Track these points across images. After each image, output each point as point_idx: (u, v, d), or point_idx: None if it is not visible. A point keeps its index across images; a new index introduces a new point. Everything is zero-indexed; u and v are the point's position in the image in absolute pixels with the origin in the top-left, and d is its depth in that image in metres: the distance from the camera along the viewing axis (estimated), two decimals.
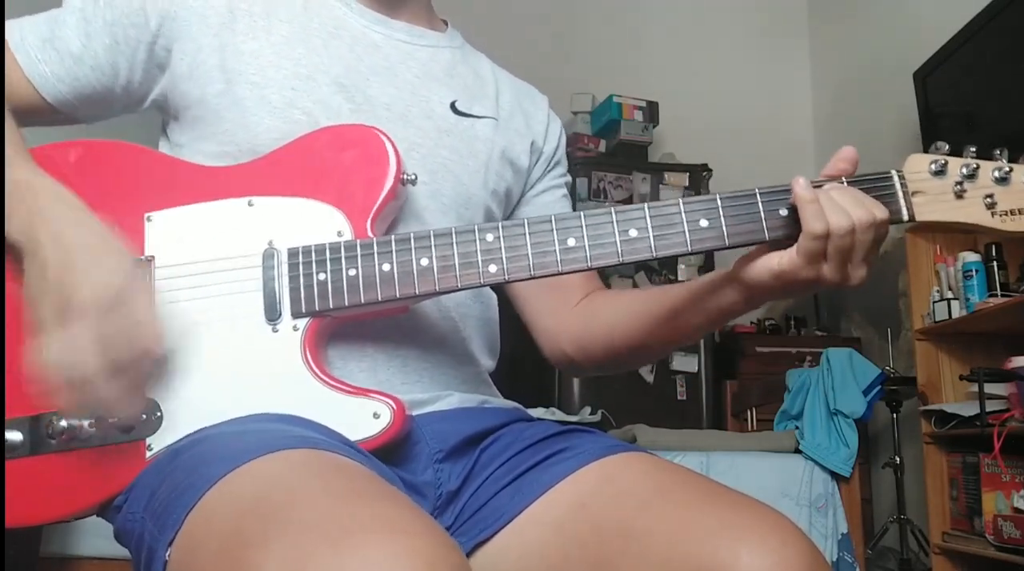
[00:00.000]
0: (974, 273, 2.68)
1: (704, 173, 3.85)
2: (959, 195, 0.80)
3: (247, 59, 0.89)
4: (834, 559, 2.67)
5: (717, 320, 0.88)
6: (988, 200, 0.80)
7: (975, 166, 0.80)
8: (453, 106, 0.97)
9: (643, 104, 3.96)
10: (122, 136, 0.93)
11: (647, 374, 3.60)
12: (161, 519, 0.68)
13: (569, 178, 1.12)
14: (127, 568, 0.78)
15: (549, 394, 3.46)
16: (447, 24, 1.06)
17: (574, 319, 1.01)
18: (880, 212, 0.77)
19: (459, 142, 0.96)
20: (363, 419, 0.79)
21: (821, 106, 4.42)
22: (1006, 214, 0.80)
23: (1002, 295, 2.60)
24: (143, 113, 0.98)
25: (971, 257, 2.72)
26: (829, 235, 0.75)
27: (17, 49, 0.89)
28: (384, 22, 0.97)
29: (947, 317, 2.75)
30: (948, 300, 2.76)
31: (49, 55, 0.89)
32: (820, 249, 0.76)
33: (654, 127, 4.00)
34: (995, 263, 2.66)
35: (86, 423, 0.79)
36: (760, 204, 0.80)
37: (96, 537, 2.30)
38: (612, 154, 3.97)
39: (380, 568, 0.53)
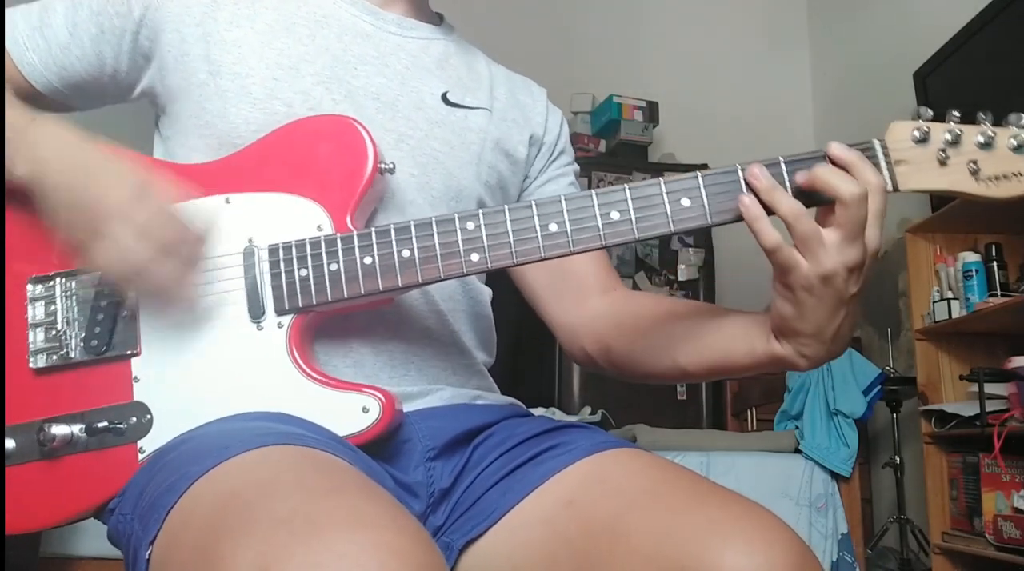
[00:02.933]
0: (974, 273, 2.68)
1: None
2: (943, 162, 0.77)
3: (230, 48, 0.88)
4: (834, 559, 2.67)
5: (769, 366, 0.82)
6: (972, 166, 0.76)
7: (958, 132, 0.77)
8: (444, 97, 0.96)
9: (643, 104, 3.96)
10: (117, 129, 0.93)
11: None
12: (145, 518, 0.69)
13: (576, 166, 1.10)
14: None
15: (549, 394, 3.46)
16: (442, 18, 1.05)
17: (600, 319, 0.97)
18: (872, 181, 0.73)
19: (450, 133, 0.95)
20: (352, 414, 0.79)
21: (821, 106, 4.42)
22: (990, 179, 0.77)
23: (1002, 295, 2.60)
24: (138, 106, 0.97)
25: (971, 257, 2.72)
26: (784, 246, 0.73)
27: (8, 36, 0.89)
28: (374, 12, 0.96)
29: (947, 317, 2.74)
30: (948, 300, 2.76)
31: (37, 43, 0.89)
32: (788, 255, 0.74)
33: (654, 127, 3.99)
34: (995, 263, 2.66)
35: (76, 429, 0.79)
36: (742, 182, 0.77)
37: (96, 537, 2.30)
38: (612, 154, 3.97)
39: (349, 562, 0.52)
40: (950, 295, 2.77)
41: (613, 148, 3.97)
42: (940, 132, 0.77)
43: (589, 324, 0.98)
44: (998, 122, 0.78)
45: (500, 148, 0.99)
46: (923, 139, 0.77)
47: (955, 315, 2.72)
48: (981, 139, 0.77)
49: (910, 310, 3.00)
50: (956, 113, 0.78)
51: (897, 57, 3.44)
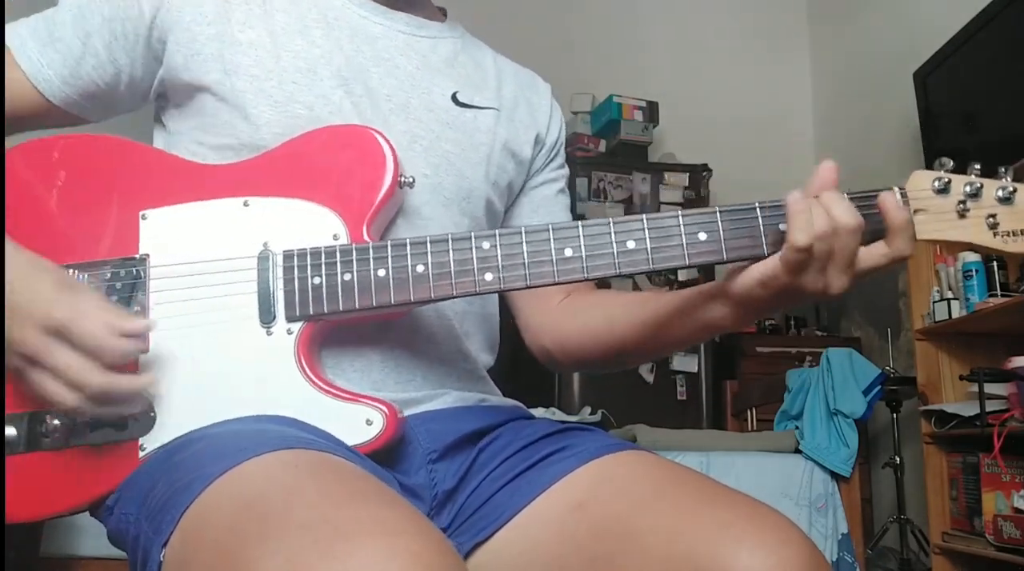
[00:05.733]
0: (974, 273, 2.68)
1: (704, 173, 3.85)
2: (962, 214, 0.78)
3: (245, 49, 0.88)
4: (834, 559, 2.66)
5: (703, 333, 0.87)
6: (991, 220, 0.78)
7: (979, 185, 0.78)
8: (454, 97, 0.96)
9: (643, 104, 3.96)
10: (115, 123, 0.93)
11: (647, 374, 3.59)
12: (156, 519, 0.68)
13: (567, 170, 1.11)
14: (127, 568, 0.78)
15: (549, 394, 3.46)
16: (446, 15, 1.05)
17: (557, 315, 1.00)
18: (859, 219, 0.75)
19: (461, 134, 0.95)
20: (356, 425, 0.79)
21: (821, 106, 4.42)
22: (1008, 235, 0.78)
23: (1002, 295, 2.60)
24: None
25: (971, 257, 2.72)
26: (813, 245, 0.74)
27: (19, 54, 0.88)
28: (383, 13, 0.96)
29: (947, 317, 2.74)
30: (948, 300, 2.76)
31: (51, 58, 0.88)
32: (802, 259, 0.75)
33: (654, 127, 4.00)
34: (995, 263, 2.66)
35: (79, 421, 0.79)
36: (759, 219, 0.78)
37: (96, 537, 2.30)
38: (612, 154, 3.97)
39: (376, 569, 0.53)
40: (950, 295, 2.77)
41: (613, 148, 3.98)
42: (960, 184, 0.78)
43: (549, 323, 1.00)
44: (1018, 178, 0.79)
45: (508, 149, 1.00)
46: (943, 190, 0.78)
47: (955, 315, 2.72)
48: (1001, 194, 0.78)
49: (910, 310, 3.00)
50: (977, 166, 0.79)
51: (897, 57, 3.44)
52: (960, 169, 0.79)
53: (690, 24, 4.42)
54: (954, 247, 2.80)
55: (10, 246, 0.78)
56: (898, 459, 3.03)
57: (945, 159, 0.79)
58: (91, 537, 2.33)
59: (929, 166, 0.81)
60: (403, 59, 0.95)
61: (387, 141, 0.85)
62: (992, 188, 0.78)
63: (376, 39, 0.94)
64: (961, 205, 0.78)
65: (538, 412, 2.88)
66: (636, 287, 3.69)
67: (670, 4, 4.43)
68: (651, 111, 3.98)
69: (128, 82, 0.91)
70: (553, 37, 4.16)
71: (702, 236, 0.78)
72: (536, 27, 4.16)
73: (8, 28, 0.90)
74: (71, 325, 0.73)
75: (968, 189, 0.78)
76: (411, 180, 0.86)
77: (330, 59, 0.90)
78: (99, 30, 0.88)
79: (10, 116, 0.89)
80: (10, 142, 0.89)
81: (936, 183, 0.78)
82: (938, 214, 0.78)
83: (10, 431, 0.79)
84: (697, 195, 3.80)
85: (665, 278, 3.73)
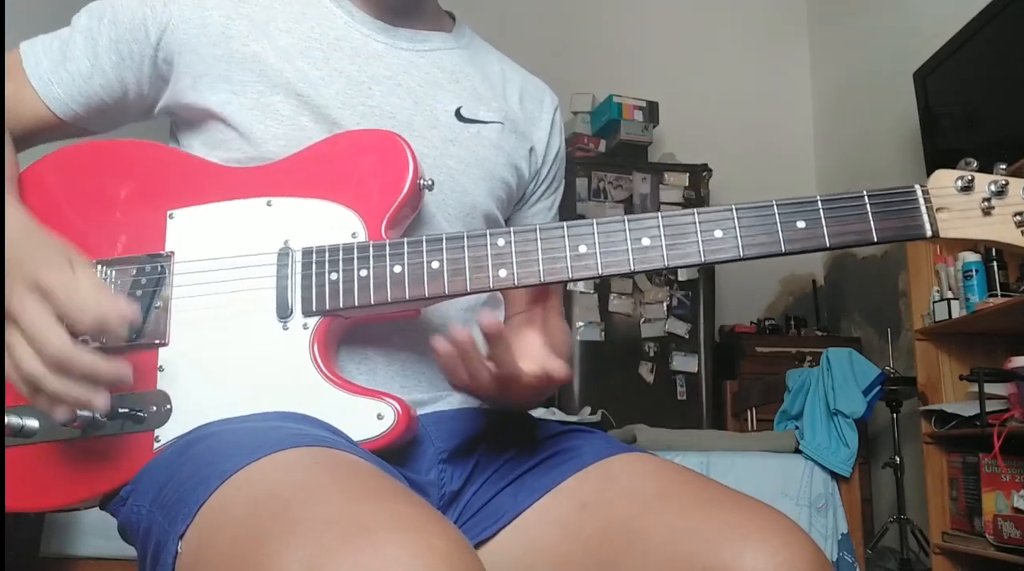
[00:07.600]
0: (974, 273, 2.68)
1: (704, 173, 3.85)
2: (986, 212, 0.78)
3: (250, 65, 0.90)
4: (834, 559, 2.67)
5: None
6: (1018, 218, 0.77)
7: (1004, 182, 0.77)
8: (458, 113, 0.97)
9: (643, 104, 3.96)
10: (131, 136, 0.95)
11: (647, 374, 3.60)
12: (172, 511, 0.68)
13: (562, 188, 1.11)
14: (127, 568, 0.78)
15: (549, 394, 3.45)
16: (454, 20, 1.05)
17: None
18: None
19: (464, 150, 0.96)
20: (367, 419, 0.79)
21: (821, 106, 4.42)
22: None
23: (1002, 295, 2.60)
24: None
25: (971, 257, 2.72)
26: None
27: (32, 75, 0.92)
28: (386, 30, 0.96)
29: (947, 317, 2.75)
30: (948, 300, 2.76)
31: (61, 77, 0.92)
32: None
33: (654, 127, 4.00)
34: (995, 263, 2.66)
35: (98, 413, 0.79)
36: (777, 216, 0.79)
37: (96, 537, 2.30)
38: (612, 154, 3.97)
39: (399, 565, 0.53)
40: (950, 295, 2.78)
41: (613, 148, 3.98)
42: (985, 182, 0.78)
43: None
44: (1016, 176, 0.79)
45: (511, 163, 1.01)
46: (966, 188, 0.78)
47: (955, 315, 2.72)
48: None
49: (910, 310, 3.00)
50: (1003, 165, 0.79)
51: (897, 57, 3.45)
52: (985, 169, 0.79)
53: (690, 24, 4.43)
54: (955, 246, 2.82)
55: (24, 215, 0.78)
56: (898, 459, 3.04)
57: (970, 159, 0.79)
58: (91, 537, 2.33)
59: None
60: (406, 76, 0.95)
61: (407, 144, 0.86)
62: (1019, 186, 0.77)
63: (379, 57, 0.95)
64: (986, 203, 0.77)
65: (538, 412, 2.88)
66: (636, 287, 3.70)
67: (670, 4, 4.43)
68: (651, 111, 3.98)
69: (135, 99, 0.94)
70: (553, 37, 4.17)
71: (718, 233, 0.79)
72: (536, 27, 4.16)
73: (26, 45, 0.94)
74: (59, 287, 0.71)
75: (993, 187, 0.78)
76: (430, 183, 0.87)
77: (331, 81, 0.91)
78: (107, 52, 0.92)
79: (22, 130, 0.93)
80: (32, 153, 0.93)
81: (959, 182, 0.78)
82: (962, 212, 0.78)
83: (33, 421, 0.80)
84: (697, 195, 3.81)
85: (665, 278, 3.73)
